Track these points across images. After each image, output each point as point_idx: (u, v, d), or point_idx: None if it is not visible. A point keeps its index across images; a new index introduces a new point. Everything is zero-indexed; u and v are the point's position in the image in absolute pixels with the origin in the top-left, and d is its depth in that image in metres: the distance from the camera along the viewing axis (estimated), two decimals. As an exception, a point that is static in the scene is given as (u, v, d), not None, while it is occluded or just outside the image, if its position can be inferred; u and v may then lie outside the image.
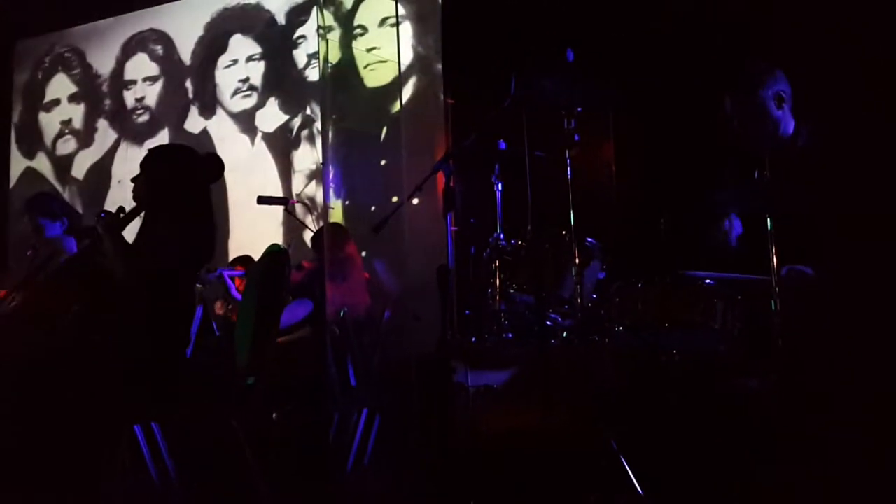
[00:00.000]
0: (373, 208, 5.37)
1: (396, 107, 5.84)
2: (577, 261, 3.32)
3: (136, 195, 3.42)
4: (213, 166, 3.48)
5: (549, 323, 3.46)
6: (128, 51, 7.45)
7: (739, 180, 3.27)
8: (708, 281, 3.14)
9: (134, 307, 3.23)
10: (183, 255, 3.29)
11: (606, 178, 4.17)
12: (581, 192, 3.33)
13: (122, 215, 3.36)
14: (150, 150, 3.50)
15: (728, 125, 3.32)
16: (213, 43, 7.05)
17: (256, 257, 3.61)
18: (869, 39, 3.03)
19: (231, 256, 5.98)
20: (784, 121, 3.29)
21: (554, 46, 3.35)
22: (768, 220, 2.89)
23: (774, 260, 2.91)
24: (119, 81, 7.46)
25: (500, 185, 3.84)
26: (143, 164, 3.42)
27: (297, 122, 6.61)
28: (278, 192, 6.44)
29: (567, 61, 3.31)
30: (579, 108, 3.33)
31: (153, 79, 7.32)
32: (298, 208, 5.77)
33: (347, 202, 5.71)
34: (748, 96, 3.28)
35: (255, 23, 6.89)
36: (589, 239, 3.51)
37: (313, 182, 6.36)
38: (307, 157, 6.50)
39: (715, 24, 4.19)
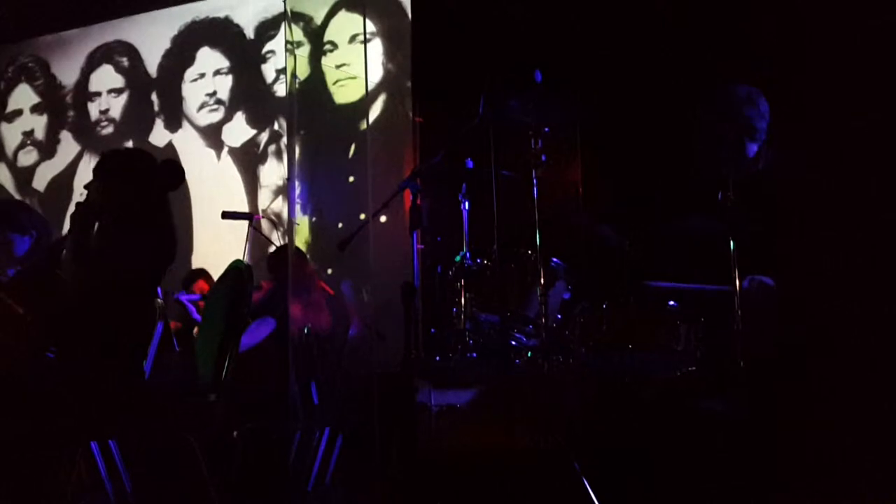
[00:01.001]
0: (340, 225, 5.38)
1: (365, 124, 5.87)
2: (542, 281, 3.34)
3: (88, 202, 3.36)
4: (172, 174, 3.42)
5: (513, 343, 3.48)
6: (93, 62, 7.45)
7: (704, 202, 3.32)
8: (672, 303, 3.18)
9: (90, 320, 3.19)
10: (141, 265, 3.26)
11: (573, 199, 4.20)
12: (547, 212, 3.35)
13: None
14: (104, 155, 3.45)
15: (692, 144, 3.38)
16: (181, 56, 7.06)
17: (220, 271, 3.60)
18: (833, 69, 3.10)
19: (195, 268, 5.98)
20: (750, 144, 3.35)
21: (523, 67, 3.39)
22: (731, 241, 2.96)
23: (737, 281, 2.98)
24: (83, 93, 7.45)
25: (466, 204, 3.85)
26: (97, 170, 3.35)
27: (264, 137, 6.63)
28: (244, 207, 6.43)
29: (535, 82, 3.36)
30: (547, 129, 3.37)
31: (118, 91, 7.32)
32: (264, 224, 5.78)
33: (314, 219, 5.72)
34: (718, 114, 3.35)
35: (223, 36, 6.92)
36: (554, 259, 3.52)
37: (279, 198, 6.37)
38: (274, 172, 6.52)
39: (684, 45, 4.28)
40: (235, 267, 3.44)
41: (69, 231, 3.28)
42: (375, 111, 6.05)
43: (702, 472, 2.91)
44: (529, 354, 3.44)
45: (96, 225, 3.32)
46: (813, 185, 3.09)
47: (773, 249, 3.11)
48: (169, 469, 3.48)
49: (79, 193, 6.95)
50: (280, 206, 6.32)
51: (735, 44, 3.89)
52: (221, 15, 6.92)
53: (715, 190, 3.20)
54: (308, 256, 5.08)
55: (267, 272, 5.00)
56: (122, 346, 3.22)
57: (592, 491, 2.93)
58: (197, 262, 6.25)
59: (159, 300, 3.77)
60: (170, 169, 3.43)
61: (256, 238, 5.48)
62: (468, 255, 3.63)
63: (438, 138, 4.60)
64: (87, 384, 3.06)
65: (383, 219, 5.03)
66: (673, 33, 4.32)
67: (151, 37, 7.20)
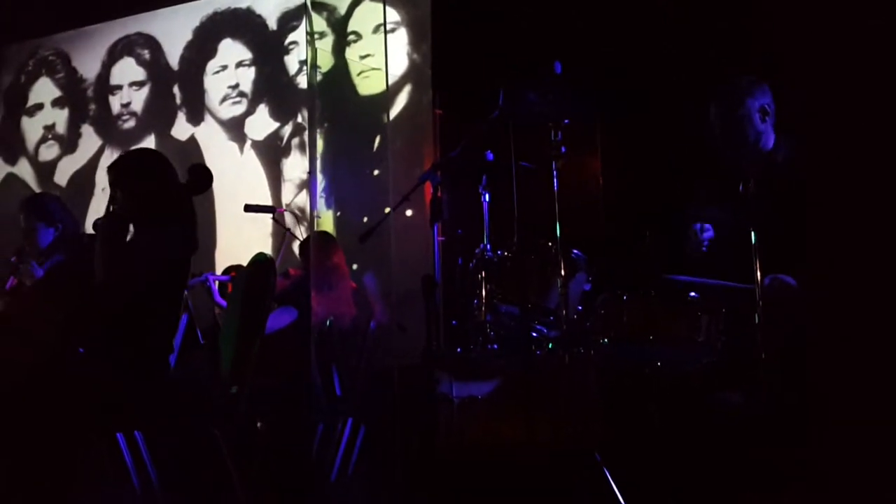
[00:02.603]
0: (365, 219, 5.45)
1: (390, 115, 5.96)
2: (562, 272, 3.42)
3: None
4: (200, 177, 3.56)
5: (534, 334, 3.61)
6: (114, 55, 7.56)
7: (723, 193, 3.44)
8: (692, 294, 3.29)
9: (117, 315, 3.37)
10: (166, 261, 3.42)
11: (593, 191, 4.31)
12: (567, 203, 3.44)
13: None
14: (112, 165, 3.56)
15: (710, 135, 3.50)
16: (202, 48, 7.16)
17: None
18: (853, 57, 3.20)
19: (218, 265, 6.14)
20: (766, 134, 3.47)
21: (542, 59, 3.50)
22: (752, 233, 3.09)
23: (758, 273, 3.09)
24: (105, 86, 7.57)
25: (487, 196, 3.98)
26: (112, 182, 3.49)
27: (287, 129, 6.72)
28: (267, 201, 6.51)
29: (555, 74, 3.48)
30: (566, 121, 3.46)
31: (140, 84, 7.43)
32: (287, 217, 5.89)
33: (339, 213, 5.82)
34: (734, 106, 3.46)
35: (245, 27, 7.00)
36: (575, 251, 3.63)
37: (304, 192, 6.45)
38: (298, 165, 6.60)
39: (701, 38, 4.38)
40: (258, 259, 3.60)
41: (97, 241, 3.41)
42: (401, 102, 6.13)
43: (722, 465, 3.02)
44: (550, 346, 3.56)
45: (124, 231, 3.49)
46: (835, 177, 3.20)
47: (795, 242, 3.23)
48: (194, 460, 3.64)
49: (100, 189, 7.23)
50: (304, 199, 6.40)
51: (754, 33, 3.98)
52: (243, 5, 7.00)
53: (735, 181, 3.33)
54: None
55: (296, 262, 5.14)
56: (148, 340, 3.40)
57: (614, 482, 3.06)
58: (220, 257, 6.40)
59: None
60: (199, 173, 3.58)
61: (281, 231, 5.62)
62: (488, 246, 3.73)
63: (458, 130, 4.69)
64: (114, 378, 3.23)
65: (409, 213, 5.13)
66: (692, 23, 4.44)
67: (173, 28, 7.31)
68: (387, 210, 4.51)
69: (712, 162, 3.55)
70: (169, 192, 3.47)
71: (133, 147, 6.99)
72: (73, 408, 3.15)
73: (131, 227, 3.52)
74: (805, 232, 3.19)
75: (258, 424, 4.05)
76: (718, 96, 3.52)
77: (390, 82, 6.04)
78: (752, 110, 3.45)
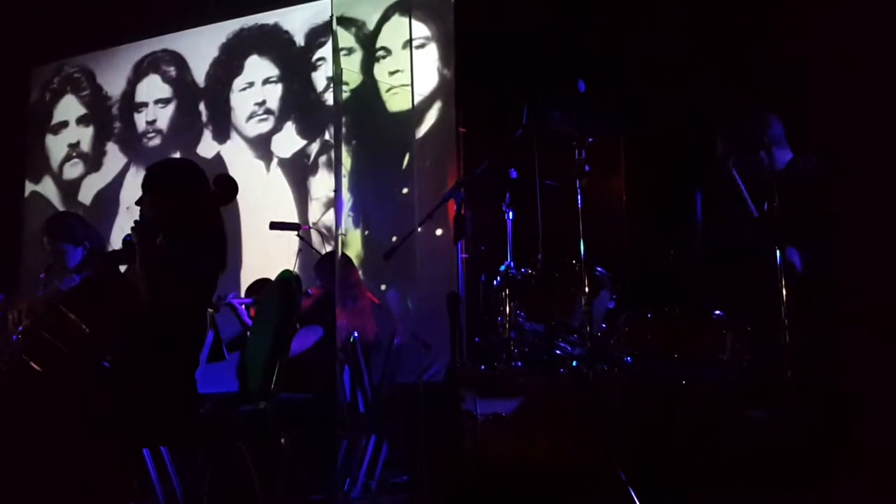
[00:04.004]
0: (393, 238, 5.46)
1: (418, 133, 6.10)
2: (586, 290, 3.56)
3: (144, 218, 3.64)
4: (226, 188, 3.69)
5: (558, 352, 3.76)
6: (139, 72, 7.76)
7: (748, 213, 3.59)
8: (717, 312, 3.45)
9: (145, 330, 3.51)
10: (194, 276, 3.55)
11: (617, 208, 4.45)
12: (591, 221, 3.59)
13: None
14: (149, 170, 3.69)
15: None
16: (229, 64, 7.34)
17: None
18: (868, 70, 3.34)
19: (244, 282, 6.28)
20: (778, 155, 3.63)
21: (566, 77, 3.67)
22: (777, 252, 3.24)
23: (784, 292, 3.24)
24: (130, 103, 7.76)
25: (510, 214, 4.14)
26: (144, 185, 3.63)
27: (314, 147, 6.86)
28: (294, 219, 6.62)
29: (579, 92, 3.65)
30: (590, 139, 3.62)
31: (165, 101, 7.62)
32: (314, 235, 6.03)
33: (367, 232, 5.94)
34: (735, 152, 3.64)
35: (272, 44, 7.18)
36: (599, 268, 3.80)
37: (331, 210, 6.56)
38: (325, 183, 6.72)
39: (726, 53, 4.54)
40: (284, 276, 3.78)
41: (137, 245, 3.51)
42: (431, 118, 6.26)
43: (748, 483, 3.15)
44: (574, 363, 3.69)
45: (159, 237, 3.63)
46: (858, 190, 3.35)
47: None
48: (219, 475, 3.80)
49: (125, 207, 7.42)
50: (331, 218, 6.49)
51: (776, 51, 4.12)
52: (270, 22, 7.18)
53: (760, 199, 3.48)
54: (356, 264, 5.34)
55: (315, 279, 5.29)
56: (174, 356, 3.55)
57: (639, 500, 3.19)
58: (246, 275, 6.52)
59: (209, 309, 4.11)
60: (224, 183, 3.71)
61: (307, 249, 5.77)
62: (512, 264, 3.89)
63: (482, 148, 4.84)
64: (141, 393, 3.39)
65: (439, 231, 5.26)
66: (715, 40, 4.60)
67: (199, 45, 7.50)
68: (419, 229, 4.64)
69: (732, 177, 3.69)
70: (199, 202, 3.60)
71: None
72: (99, 423, 3.30)
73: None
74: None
75: (282, 440, 4.19)
76: (719, 141, 3.68)
77: (421, 99, 6.17)
78: (753, 148, 3.61)
